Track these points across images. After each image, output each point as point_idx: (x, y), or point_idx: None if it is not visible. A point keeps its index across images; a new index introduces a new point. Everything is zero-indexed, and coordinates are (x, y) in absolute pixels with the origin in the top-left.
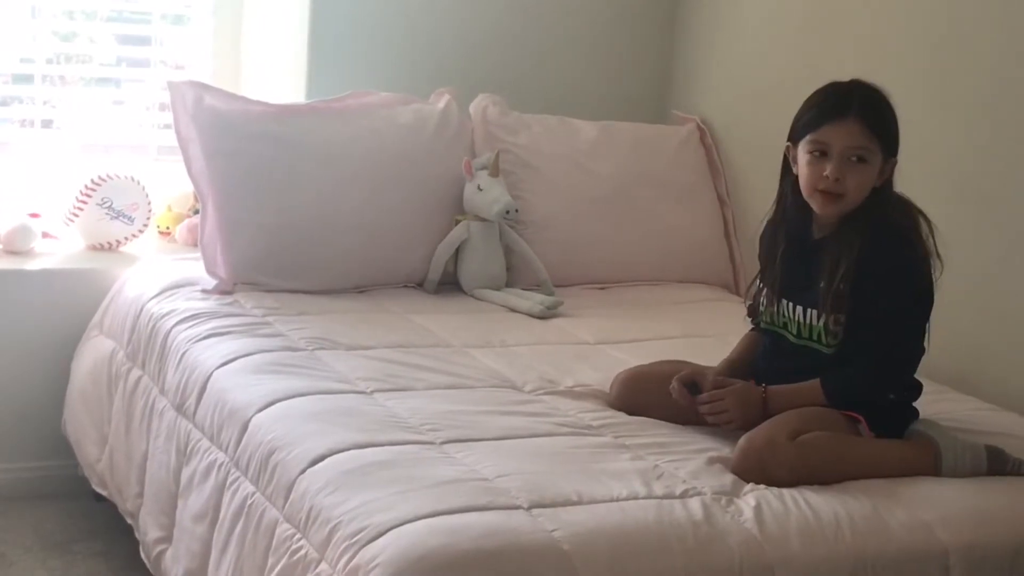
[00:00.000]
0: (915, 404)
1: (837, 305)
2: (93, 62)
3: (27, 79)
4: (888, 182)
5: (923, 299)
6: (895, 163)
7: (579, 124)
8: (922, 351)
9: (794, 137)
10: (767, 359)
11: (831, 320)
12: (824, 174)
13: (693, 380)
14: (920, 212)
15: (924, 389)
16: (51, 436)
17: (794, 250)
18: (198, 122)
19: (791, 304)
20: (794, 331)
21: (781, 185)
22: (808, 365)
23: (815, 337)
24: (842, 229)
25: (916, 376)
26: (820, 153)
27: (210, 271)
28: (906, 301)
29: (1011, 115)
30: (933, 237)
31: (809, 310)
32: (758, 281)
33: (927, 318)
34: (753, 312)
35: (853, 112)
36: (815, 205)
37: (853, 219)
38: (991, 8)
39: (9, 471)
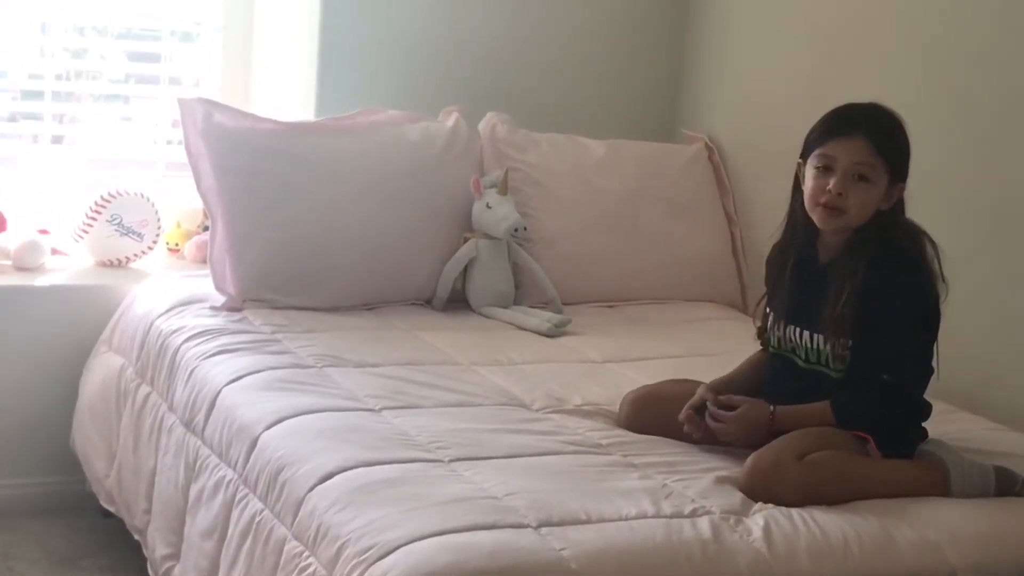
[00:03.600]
0: (924, 424)
1: (840, 330)
2: (103, 78)
3: (37, 95)
4: (896, 207)
5: (928, 322)
6: (903, 188)
7: (587, 142)
8: (930, 372)
9: (805, 154)
10: (776, 382)
11: (838, 345)
12: (827, 188)
13: (702, 404)
14: (926, 235)
15: (933, 409)
16: (59, 452)
17: (801, 275)
18: (207, 139)
19: (798, 329)
20: (802, 355)
21: (791, 202)
22: (817, 388)
23: (823, 361)
24: (847, 253)
25: (925, 397)
26: (825, 168)
27: (219, 288)
28: (911, 324)
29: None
30: (939, 260)
31: (816, 335)
32: (765, 304)
33: (933, 340)
34: (762, 333)
35: (861, 130)
36: (816, 219)
37: (858, 243)
38: (1002, 31)
39: (17, 486)
